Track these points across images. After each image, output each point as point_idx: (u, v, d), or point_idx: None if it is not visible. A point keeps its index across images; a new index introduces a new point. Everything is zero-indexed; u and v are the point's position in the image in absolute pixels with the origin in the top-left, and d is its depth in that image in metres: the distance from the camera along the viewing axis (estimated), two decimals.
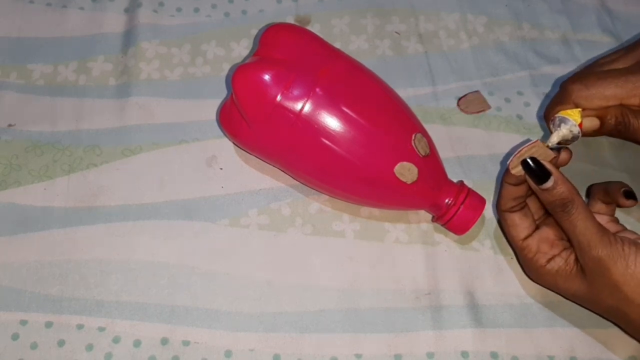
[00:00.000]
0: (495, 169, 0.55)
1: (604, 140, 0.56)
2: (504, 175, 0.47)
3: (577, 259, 0.46)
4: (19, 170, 0.54)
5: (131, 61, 0.59)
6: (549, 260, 0.47)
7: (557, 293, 0.48)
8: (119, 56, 0.60)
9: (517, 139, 0.56)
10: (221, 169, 0.54)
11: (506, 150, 0.56)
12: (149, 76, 0.58)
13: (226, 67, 0.60)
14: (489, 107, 0.58)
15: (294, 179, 0.53)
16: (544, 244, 0.48)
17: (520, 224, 0.48)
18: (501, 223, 0.50)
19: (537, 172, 0.45)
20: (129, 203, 0.53)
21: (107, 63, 0.60)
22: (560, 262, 0.46)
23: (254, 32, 0.62)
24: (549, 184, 0.45)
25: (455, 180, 0.51)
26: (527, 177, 0.46)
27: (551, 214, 0.47)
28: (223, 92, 0.58)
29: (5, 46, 0.60)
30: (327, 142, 0.47)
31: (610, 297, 0.44)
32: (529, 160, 0.45)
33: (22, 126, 0.56)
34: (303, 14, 0.62)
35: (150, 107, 0.57)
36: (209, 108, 0.57)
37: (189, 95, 0.58)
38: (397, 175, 0.47)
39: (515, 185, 0.47)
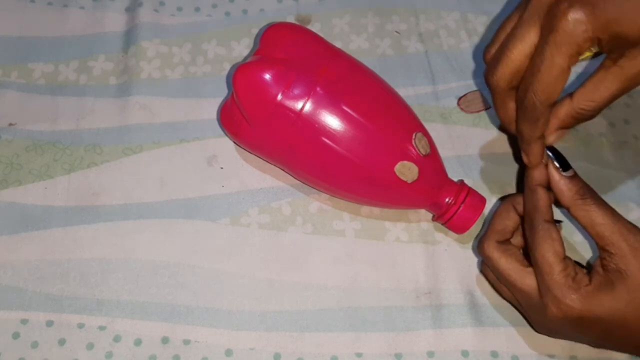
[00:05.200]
0: (496, 169, 0.55)
1: (604, 139, 0.56)
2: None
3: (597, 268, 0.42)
4: (20, 170, 0.54)
5: (132, 60, 0.59)
6: (573, 278, 0.42)
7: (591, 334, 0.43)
8: (119, 55, 0.60)
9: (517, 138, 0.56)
10: (222, 168, 0.55)
11: (507, 149, 0.56)
12: (149, 75, 0.58)
13: (227, 67, 0.60)
14: (489, 106, 0.58)
15: (295, 178, 0.53)
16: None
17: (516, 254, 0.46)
18: (488, 274, 0.48)
19: (561, 158, 0.45)
20: (129, 202, 0.53)
21: (107, 62, 0.60)
22: (582, 276, 0.42)
23: (255, 31, 0.62)
24: (572, 172, 0.44)
25: (455, 180, 0.51)
26: (551, 165, 0.45)
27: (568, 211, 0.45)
28: (224, 92, 0.58)
29: (6, 45, 0.60)
30: (327, 141, 0.47)
31: None
32: (550, 152, 0.45)
33: (23, 125, 0.56)
34: (304, 14, 0.62)
35: (151, 106, 0.57)
36: (210, 107, 0.57)
37: (190, 94, 0.58)
38: (398, 174, 0.47)
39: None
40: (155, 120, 0.56)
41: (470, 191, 0.50)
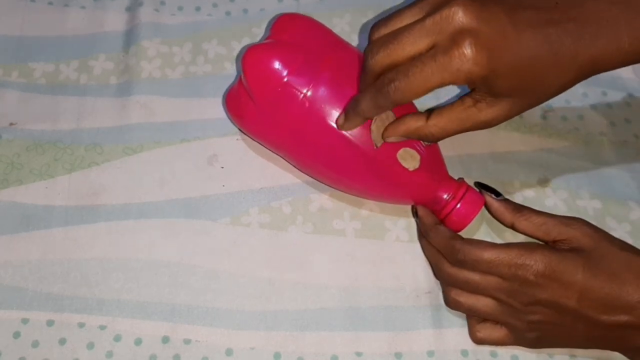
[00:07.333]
0: (496, 168, 0.55)
1: (605, 138, 0.56)
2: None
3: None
4: (21, 169, 0.54)
5: (132, 60, 0.59)
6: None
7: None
8: (120, 55, 0.60)
9: (517, 137, 0.56)
10: (222, 167, 0.55)
11: (507, 148, 0.56)
12: (150, 75, 0.59)
13: (227, 66, 0.60)
14: None
15: (296, 166, 0.53)
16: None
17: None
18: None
19: (491, 189, 0.50)
20: (130, 202, 0.53)
21: (108, 62, 0.60)
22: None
23: (255, 30, 0.62)
24: (503, 197, 0.49)
25: (455, 178, 0.51)
26: (487, 195, 0.49)
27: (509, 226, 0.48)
28: (224, 91, 0.58)
29: (7, 45, 0.60)
30: (332, 123, 0.48)
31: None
32: (482, 187, 0.50)
33: (24, 125, 0.56)
34: (304, 13, 0.62)
35: (151, 106, 0.57)
36: (211, 106, 0.57)
37: (190, 93, 0.58)
38: (400, 159, 0.48)
39: None
40: (156, 120, 0.56)
41: (469, 188, 0.50)
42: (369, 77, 0.44)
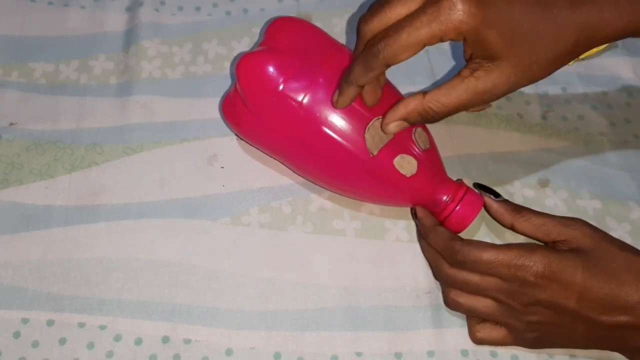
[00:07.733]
0: (496, 168, 0.55)
1: (605, 138, 0.56)
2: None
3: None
4: (21, 169, 0.54)
5: (132, 60, 0.59)
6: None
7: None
8: (120, 55, 0.60)
9: (517, 137, 0.56)
10: (222, 167, 0.55)
11: (507, 148, 0.56)
12: (150, 75, 0.59)
13: (227, 66, 0.60)
14: (489, 105, 0.58)
15: (294, 171, 0.53)
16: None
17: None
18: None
19: (491, 190, 0.49)
20: (130, 201, 0.53)
21: (108, 62, 0.60)
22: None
23: (255, 30, 0.62)
24: (502, 198, 0.49)
25: (455, 179, 0.51)
26: (486, 197, 0.49)
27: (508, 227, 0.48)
28: (224, 91, 0.58)
29: (7, 45, 0.60)
30: (328, 131, 0.47)
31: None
32: (481, 188, 0.50)
33: (24, 125, 0.56)
34: (304, 13, 0.62)
35: (151, 106, 0.57)
36: (211, 106, 0.57)
37: (190, 93, 0.58)
38: (397, 167, 0.48)
39: None
40: (156, 120, 0.56)
41: (469, 189, 0.49)
42: (361, 43, 0.44)
